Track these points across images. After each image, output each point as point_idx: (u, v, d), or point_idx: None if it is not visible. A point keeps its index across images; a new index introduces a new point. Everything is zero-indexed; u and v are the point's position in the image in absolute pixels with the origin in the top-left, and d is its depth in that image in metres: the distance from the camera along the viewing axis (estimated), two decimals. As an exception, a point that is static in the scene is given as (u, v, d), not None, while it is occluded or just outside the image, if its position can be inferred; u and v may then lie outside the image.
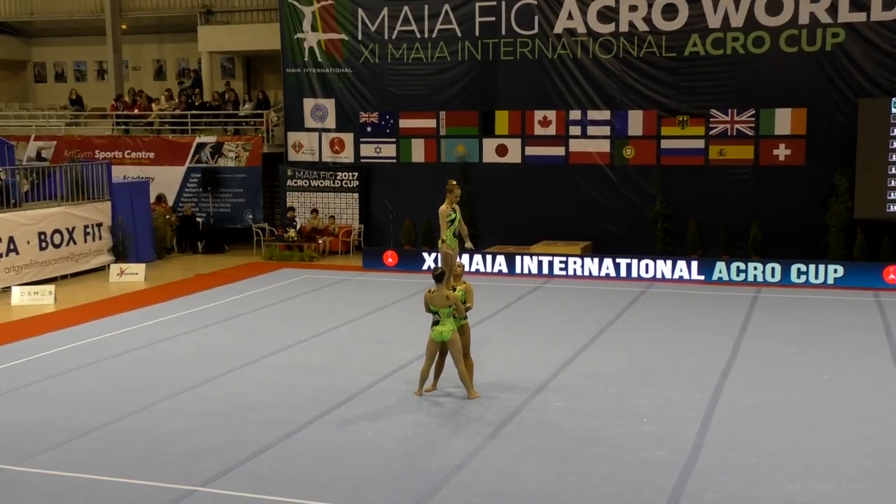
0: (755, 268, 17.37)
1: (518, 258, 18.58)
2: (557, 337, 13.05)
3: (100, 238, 19.42)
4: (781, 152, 19.11)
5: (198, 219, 22.98)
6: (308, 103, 22.55)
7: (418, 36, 21.45)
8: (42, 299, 16.24)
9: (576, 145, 20.51)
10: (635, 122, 20.00)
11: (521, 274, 18.34)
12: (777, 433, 8.96)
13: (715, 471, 7.99)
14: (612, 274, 17.97)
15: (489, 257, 18.87)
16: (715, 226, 19.53)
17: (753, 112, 19.23)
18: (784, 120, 19.05)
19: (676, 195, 19.83)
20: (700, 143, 19.64)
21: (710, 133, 19.55)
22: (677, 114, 19.70)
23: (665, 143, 19.90)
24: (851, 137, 18.41)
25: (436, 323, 9.98)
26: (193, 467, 8.17)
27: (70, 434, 9.08)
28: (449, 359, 10.21)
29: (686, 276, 17.62)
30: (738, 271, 17.42)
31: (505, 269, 18.55)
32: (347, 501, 7.40)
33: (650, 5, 19.66)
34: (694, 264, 17.75)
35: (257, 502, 7.43)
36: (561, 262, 18.33)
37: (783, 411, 9.64)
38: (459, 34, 21.11)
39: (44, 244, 18.04)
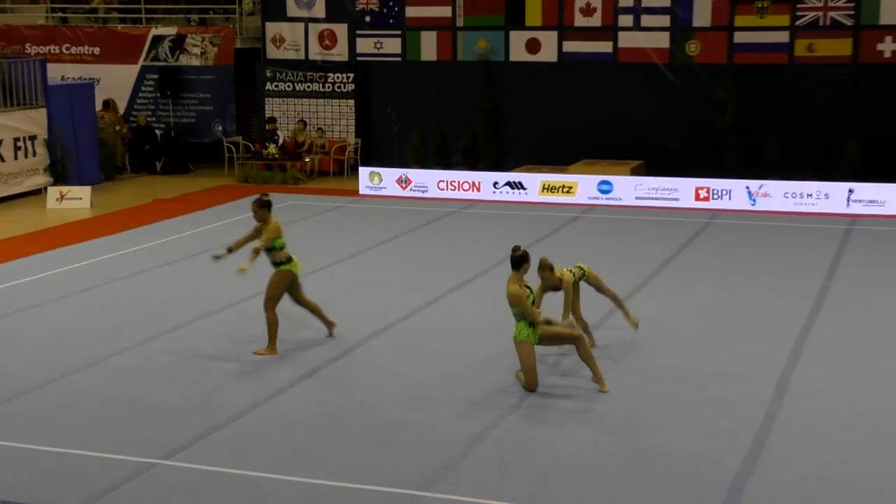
0: (850, 193, 17.24)
1: (551, 180, 18.56)
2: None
3: (33, 154, 19.43)
4: (887, 47, 18.89)
5: (156, 131, 22.97)
6: (291, -15, 22.36)
7: None
8: (-36, 230, 16.35)
9: (627, 39, 20.30)
10: (702, 8, 19.74)
11: (555, 203, 18.29)
12: (873, 398, 8.97)
13: (794, 445, 8.02)
14: (670, 202, 17.93)
15: (516, 179, 18.82)
16: (802, 141, 19.35)
17: (853, -4, 19.00)
18: (893, 6, 18.75)
19: (753, 102, 19.64)
20: (784, 36, 19.41)
21: (797, 23, 19.29)
22: (756, -1, 19.46)
23: (739, 37, 19.67)
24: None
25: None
26: (153, 435, 8.25)
27: (0, 396, 9.19)
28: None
29: (762, 205, 17.56)
30: (828, 197, 17.32)
31: (535, 196, 18.52)
32: (343, 478, 7.49)
33: None
34: (772, 189, 17.64)
35: (232, 478, 7.52)
36: (606, 185, 18.31)
37: (880, 371, 9.64)
38: None
39: (-35, 162, 18.12)
